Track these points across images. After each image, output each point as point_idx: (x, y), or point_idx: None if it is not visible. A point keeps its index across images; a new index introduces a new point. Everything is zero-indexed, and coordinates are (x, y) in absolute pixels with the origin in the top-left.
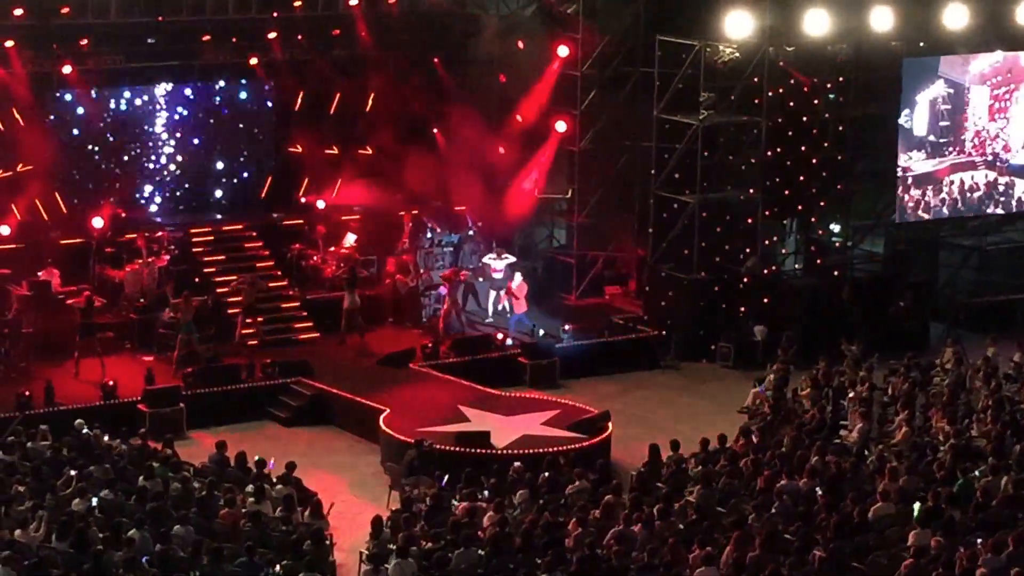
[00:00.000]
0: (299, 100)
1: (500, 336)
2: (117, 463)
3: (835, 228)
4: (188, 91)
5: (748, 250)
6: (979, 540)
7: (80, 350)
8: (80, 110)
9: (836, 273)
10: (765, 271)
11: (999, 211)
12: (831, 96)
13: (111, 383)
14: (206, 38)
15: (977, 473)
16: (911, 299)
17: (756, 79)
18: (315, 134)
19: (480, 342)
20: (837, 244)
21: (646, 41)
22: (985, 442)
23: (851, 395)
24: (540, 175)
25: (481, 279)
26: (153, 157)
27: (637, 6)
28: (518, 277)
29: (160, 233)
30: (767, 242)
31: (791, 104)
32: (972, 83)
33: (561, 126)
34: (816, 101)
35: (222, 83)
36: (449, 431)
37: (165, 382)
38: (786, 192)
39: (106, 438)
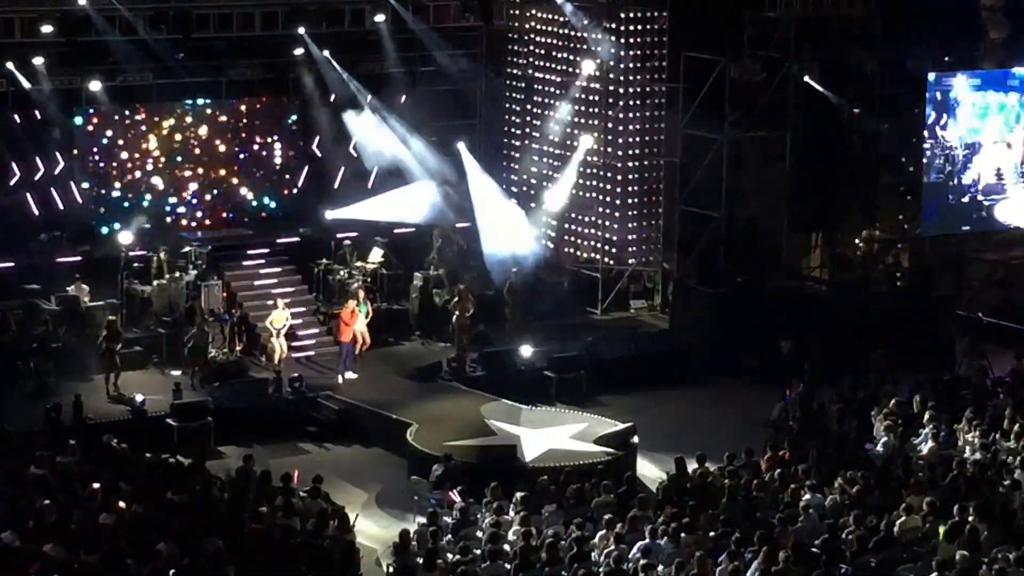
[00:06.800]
0: (326, 116)
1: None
2: (146, 477)
3: (860, 242)
4: (215, 107)
5: (773, 265)
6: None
7: (105, 367)
8: (107, 125)
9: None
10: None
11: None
12: (856, 110)
13: (140, 398)
14: (233, 54)
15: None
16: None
17: (781, 93)
18: (342, 149)
19: (507, 356)
20: (862, 258)
21: (671, 56)
22: (1011, 455)
23: (877, 408)
24: None
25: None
26: (180, 173)
27: (662, 21)
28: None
29: (187, 248)
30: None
31: (816, 118)
32: None
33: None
34: (841, 115)
35: (249, 98)
36: (476, 445)
37: (193, 397)
38: (811, 206)
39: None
